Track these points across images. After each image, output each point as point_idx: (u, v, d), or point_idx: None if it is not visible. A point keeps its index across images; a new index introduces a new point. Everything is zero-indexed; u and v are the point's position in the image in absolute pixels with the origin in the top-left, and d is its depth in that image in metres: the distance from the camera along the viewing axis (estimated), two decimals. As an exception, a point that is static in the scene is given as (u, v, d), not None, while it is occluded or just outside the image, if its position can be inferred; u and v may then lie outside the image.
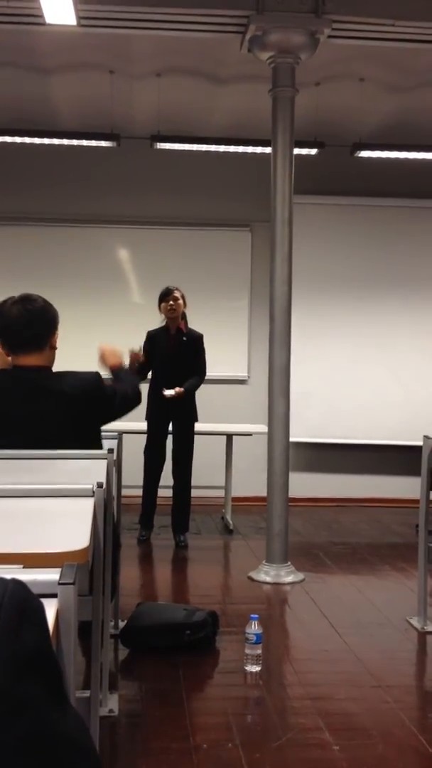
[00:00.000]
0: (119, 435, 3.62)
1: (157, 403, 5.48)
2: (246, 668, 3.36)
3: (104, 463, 2.74)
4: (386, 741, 2.80)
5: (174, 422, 5.59)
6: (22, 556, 1.55)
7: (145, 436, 5.61)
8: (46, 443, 2.78)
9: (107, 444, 3.17)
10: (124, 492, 5.68)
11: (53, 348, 3.06)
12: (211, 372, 7.03)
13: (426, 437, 3.95)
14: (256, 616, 3.44)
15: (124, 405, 3.20)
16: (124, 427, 5.48)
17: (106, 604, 2.97)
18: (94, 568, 2.23)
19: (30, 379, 2.94)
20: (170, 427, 5.62)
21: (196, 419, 5.65)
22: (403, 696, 3.18)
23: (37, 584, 1.26)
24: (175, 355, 5.49)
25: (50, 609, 1.21)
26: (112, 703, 2.99)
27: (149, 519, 5.64)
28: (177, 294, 5.48)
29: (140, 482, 5.60)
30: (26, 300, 2.98)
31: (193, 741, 2.75)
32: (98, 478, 2.43)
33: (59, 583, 1.24)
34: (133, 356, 4.43)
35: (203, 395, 6.32)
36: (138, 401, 3.29)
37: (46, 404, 2.95)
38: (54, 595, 1.24)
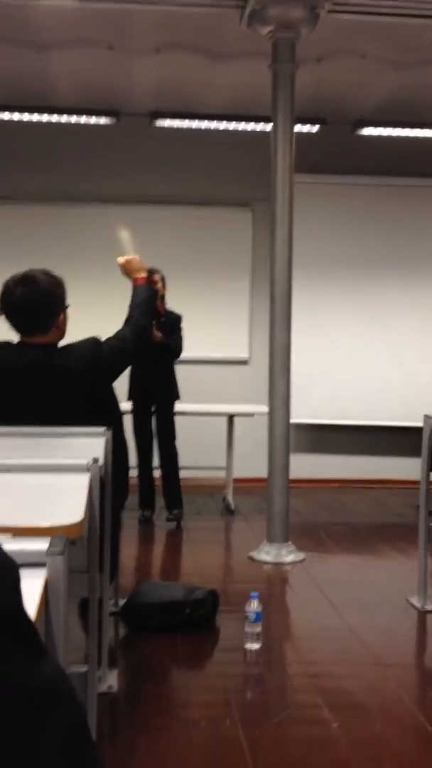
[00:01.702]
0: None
1: (138, 383, 5.51)
2: (245, 646, 3.35)
3: (102, 440, 2.73)
4: (385, 719, 2.79)
5: (155, 401, 5.60)
6: (13, 530, 1.53)
7: (131, 417, 5.63)
8: (57, 422, 2.76)
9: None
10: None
11: (59, 328, 3.04)
12: (212, 353, 7.02)
13: (427, 417, 3.92)
14: (256, 594, 3.43)
15: (132, 352, 3.21)
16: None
17: (105, 582, 2.96)
18: (90, 544, 2.22)
19: (36, 358, 2.94)
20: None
21: (177, 397, 5.69)
22: (402, 674, 3.17)
23: (25, 554, 1.24)
24: (157, 341, 5.48)
25: (39, 579, 1.19)
26: (111, 680, 2.98)
27: (147, 499, 5.65)
28: (157, 277, 5.45)
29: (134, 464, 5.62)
30: (30, 282, 2.94)
31: (192, 717, 2.75)
32: (98, 455, 2.41)
33: (47, 553, 1.22)
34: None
35: (204, 375, 6.32)
36: (145, 337, 3.29)
37: (54, 382, 2.94)
38: (43, 565, 1.22)
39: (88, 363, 3.03)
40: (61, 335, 3.11)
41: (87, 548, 2.26)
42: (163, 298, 5.53)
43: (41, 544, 1.24)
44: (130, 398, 5.56)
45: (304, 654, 3.41)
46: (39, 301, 2.95)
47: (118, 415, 3.36)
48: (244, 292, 7.12)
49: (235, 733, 2.65)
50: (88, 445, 2.59)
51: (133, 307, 3.31)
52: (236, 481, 6.30)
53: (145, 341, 3.35)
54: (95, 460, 2.16)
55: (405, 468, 7.16)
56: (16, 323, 2.99)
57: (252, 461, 6.64)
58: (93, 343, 3.10)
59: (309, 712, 2.84)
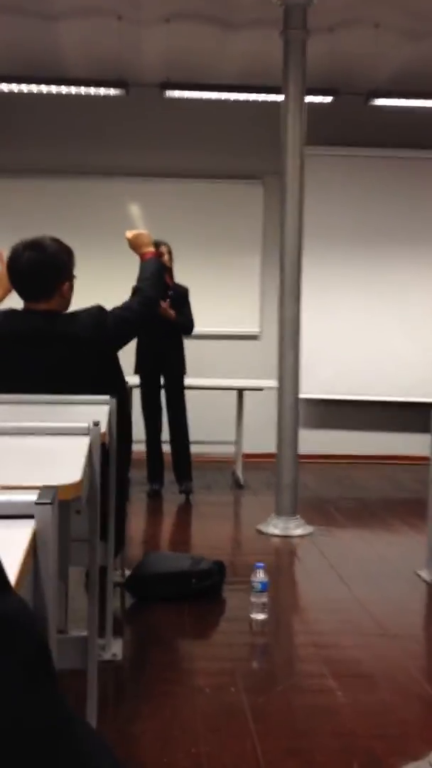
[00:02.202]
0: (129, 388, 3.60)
1: (146, 357, 5.48)
2: (251, 616, 3.34)
3: (106, 408, 2.71)
4: (391, 688, 2.77)
5: (164, 375, 5.58)
6: (9, 489, 1.51)
7: (139, 391, 5.61)
8: (60, 390, 2.75)
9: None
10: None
11: (63, 296, 3.03)
12: (222, 328, 6.98)
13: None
14: (262, 564, 3.41)
15: (138, 322, 3.20)
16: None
17: (109, 551, 2.96)
18: (90, 508, 2.20)
19: (39, 325, 2.92)
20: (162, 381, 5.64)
21: (185, 371, 5.66)
22: (409, 645, 3.15)
23: (13, 505, 1.22)
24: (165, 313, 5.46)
25: (28, 529, 1.17)
26: (116, 648, 2.98)
27: (157, 473, 5.64)
28: (164, 249, 5.41)
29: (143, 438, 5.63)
30: (37, 246, 2.94)
31: (196, 685, 2.74)
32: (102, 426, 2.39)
33: (36, 503, 1.19)
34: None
35: (215, 350, 6.28)
36: (153, 309, 3.27)
37: (58, 349, 2.93)
38: (33, 517, 1.19)
39: (92, 330, 3.02)
40: (66, 304, 3.09)
41: (87, 513, 2.25)
42: (170, 271, 5.49)
43: (30, 496, 1.21)
44: (138, 372, 5.54)
45: (310, 624, 3.40)
46: (44, 265, 2.94)
47: (123, 385, 3.34)
48: (255, 266, 7.06)
49: (239, 700, 2.64)
50: (92, 413, 2.57)
51: (140, 280, 3.29)
52: (246, 456, 6.28)
53: (152, 313, 3.33)
54: (96, 423, 2.14)
55: (417, 444, 7.10)
56: (20, 287, 2.98)
57: (262, 437, 6.60)
58: (98, 310, 3.09)
59: (314, 680, 2.83)
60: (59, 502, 1.91)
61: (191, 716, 2.52)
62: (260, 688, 2.78)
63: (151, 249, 3.38)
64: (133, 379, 5.41)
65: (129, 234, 3.40)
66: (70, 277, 3.07)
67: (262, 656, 3.13)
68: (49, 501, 1.20)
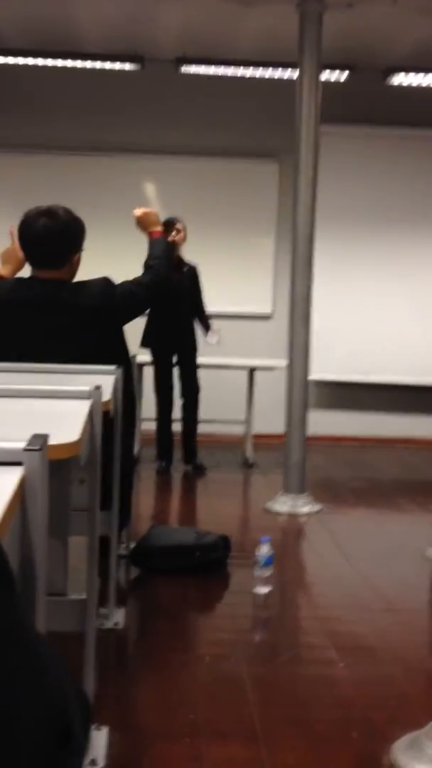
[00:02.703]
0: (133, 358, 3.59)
1: (163, 335, 5.48)
2: (255, 590, 3.33)
3: (112, 378, 2.70)
4: (392, 660, 2.76)
5: (180, 354, 5.58)
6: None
7: (152, 368, 5.60)
8: (65, 359, 2.74)
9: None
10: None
11: (72, 266, 3.03)
12: (235, 307, 6.95)
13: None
14: (267, 538, 3.40)
15: (146, 297, 3.22)
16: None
17: (113, 520, 2.96)
18: (91, 474, 2.19)
19: (46, 292, 2.92)
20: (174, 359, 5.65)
21: (197, 350, 5.68)
22: (413, 620, 3.14)
23: (2, 452, 1.21)
24: (180, 287, 5.45)
25: (15, 476, 1.16)
26: (118, 617, 2.99)
27: (168, 451, 5.66)
28: (180, 225, 5.41)
29: (151, 416, 5.65)
30: (51, 214, 2.96)
31: (196, 654, 2.75)
32: (105, 395, 2.38)
33: (24, 450, 1.18)
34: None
35: (227, 330, 6.23)
36: (162, 287, 3.28)
37: (63, 317, 2.93)
38: (20, 464, 1.18)
39: (99, 300, 3.02)
40: (73, 275, 3.09)
41: (88, 479, 2.24)
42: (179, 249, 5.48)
43: (18, 444, 1.20)
44: (152, 349, 5.53)
45: (314, 599, 3.39)
46: (58, 233, 2.95)
47: (128, 358, 3.33)
48: (269, 245, 7.01)
49: (239, 670, 2.64)
50: (96, 382, 2.56)
51: (151, 257, 3.29)
52: (256, 437, 6.26)
53: (161, 290, 3.33)
54: (98, 387, 2.13)
55: (429, 426, 7.07)
56: (32, 254, 2.99)
57: (273, 417, 6.58)
58: (105, 281, 3.09)
59: (315, 652, 2.82)
60: (59, 463, 1.91)
61: (190, 684, 2.53)
62: (260, 658, 2.78)
63: (159, 228, 3.38)
64: (142, 356, 5.42)
65: (138, 211, 3.39)
66: (80, 248, 3.07)
67: (264, 628, 3.13)
68: (37, 447, 1.19)
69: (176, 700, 2.44)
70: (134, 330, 5.39)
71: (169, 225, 5.39)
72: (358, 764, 2.12)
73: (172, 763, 2.09)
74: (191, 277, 5.59)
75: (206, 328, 5.72)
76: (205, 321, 5.71)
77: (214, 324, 5.71)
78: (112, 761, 2.07)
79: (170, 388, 5.64)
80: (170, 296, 5.37)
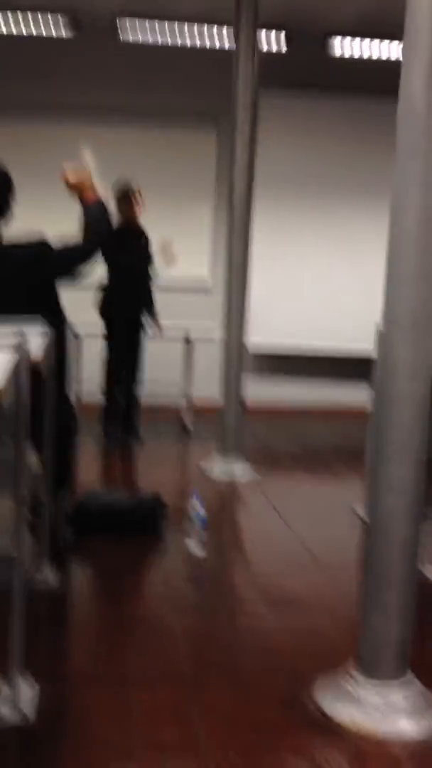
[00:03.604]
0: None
1: (119, 307, 5.42)
2: (189, 549, 3.36)
3: (43, 336, 2.67)
4: (320, 612, 2.83)
5: (132, 325, 5.54)
6: None
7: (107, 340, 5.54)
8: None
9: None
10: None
11: (5, 220, 2.99)
12: (173, 278, 6.92)
13: (379, 330, 3.91)
14: (200, 498, 3.43)
15: (81, 263, 3.13)
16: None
17: (46, 480, 2.95)
18: (19, 427, 2.18)
19: None
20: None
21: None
22: (340, 574, 3.22)
23: None
24: (141, 254, 5.41)
25: None
26: (50, 577, 2.98)
27: (119, 421, 5.60)
28: (138, 194, 5.37)
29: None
30: None
31: (128, 610, 2.77)
32: (36, 352, 2.36)
33: None
34: None
35: (165, 301, 6.21)
36: (97, 255, 3.19)
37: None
38: None
39: (32, 259, 2.98)
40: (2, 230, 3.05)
41: (15, 434, 2.22)
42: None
43: None
44: (106, 318, 5.45)
45: (247, 557, 3.45)
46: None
47: (62, 322, 3.30)
48: (207, 214, 6.99)
49: (171, 624, 2.67)
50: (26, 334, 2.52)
51: (88, 224, 3.17)
52: (197, 408, 6.28)
53: (97, 254, 3.26)
54: (22, 335, 2.11)
55: (365, 395, 7.18)
56: None
57: (211, 388, 6.61)
58: (40, 240, 3.05)
59: (246, 606, 2.88)
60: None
61: (120, 637, 2.55)
62: (192, 612, 2.82)
63: (94, 193, 3.25)
64: (92, 328, 5.38)
65: (70, 175, 3.25)
66: (10, 204, 3.03)
67: (196, 585, 3.17)
68: None
69: (107, 652, 2.46)
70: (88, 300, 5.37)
71: (126, 195, 5.32)
72: (283, 706, 2.18)
73: (101, 709, 2.11)
74: (147, 248, 5.53)
75: (152, 313, 5.64)
76: (153, 307, 5.63)
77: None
78: (42, 713, 2.09)
79: (123, 359, 5.58)
80: (130, 267, 5.32)
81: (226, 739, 1.99)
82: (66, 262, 3.10)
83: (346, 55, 6.50)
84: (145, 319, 5.61)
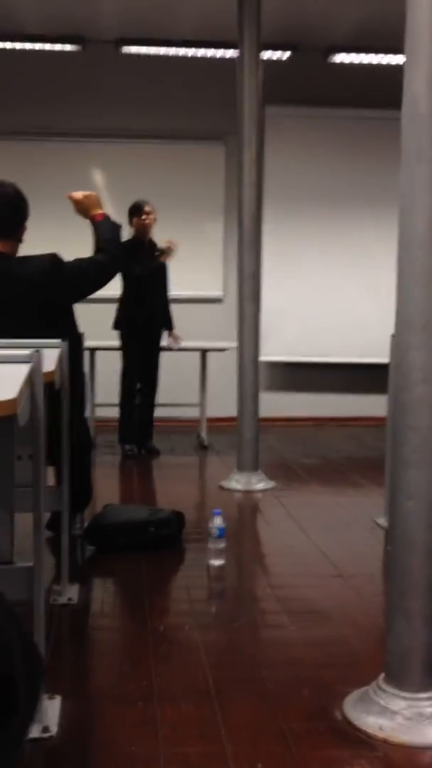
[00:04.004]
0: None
1: (133, 320, 5.45)
2: (209, 562, 3.34)
3: (57, 352, 2.67)
4: (342, 623, 2.80)
5: (147, 339, 5.56)
6: None
7: (122, 353, 5.56)
8: (9, 332, 2.69)
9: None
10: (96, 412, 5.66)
11: (19, 239, 3.00)
12: (185, 291, 6.93)
13: (393, 335, 3.89)
14: (219, 510, 3.42)
15: (98, 276, 3.15)
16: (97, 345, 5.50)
17: (64, 496, 2.94)
18: (34, 440, 2.17)
19: None
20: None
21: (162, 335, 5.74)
22: (363, 585, 3.18)
23: None
24: (152, 270, 5.43)
25: None
26: (71, 593, 2.97)
27: (133, 435, 5.62)
28: (149, 208, 5.40)
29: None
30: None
31: (150, 625, 2.75)
32: (50, 366, 2.36)
33: None
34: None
35: (178, 314, 6.23)
36: (117, 267, 3.24)
37: (10, 291, 2.90)
38: None
39: (45, 275, 2.99)
40: (17, 250, 3.06)
41: (33, 451, 2.22)
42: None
43: None
44: (121, 330, 5.47)
45: (267, 568, 3.42)
46: (6, 203, 2.93)
47: (78, 336, 3.31)
48: (217, 229, 7.02)
49: (193, 637, 2.65)
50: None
51: (101, 241, 3.20)
52: (211, 420, 6.28)
53: (114, 271, 3.29)
54: (38, 351, 2.11)
55: (380, 405, 7.14)
56: None
57: (227, 401, 6.59)
58: (52, 257, 3.06)
59: (268, 618, 2.85)
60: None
61: (143, 652, 2.53)
62: (214, 625, 2.80)
63: (101, 210, 3.29)
64: (106, 341, 5.42)
65: (77, 194, 3.29)
66: (25, 221, 3.05)
67: (217, 598, 3.15)
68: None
69: (129, 667, 2.44)
70: (106, 313, 5.39)
71: (138, 208, 5.37)
72: (308, 719, 2.15)
73: (125, 726, 2.09)
74: (161, 262, 5.56)
75: (169, 321, 5.68)
76: (168, 313, 5.71)
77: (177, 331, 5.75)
78: (65, 728, 2.07)
79: (137, 372, 5.60)
80: (143, 280, 5.36)
81: (253, 752, 1.96)
82: (79, 273, 3.11)
83: (348, 68, 6.53)
84: (161, 332, 5.64)
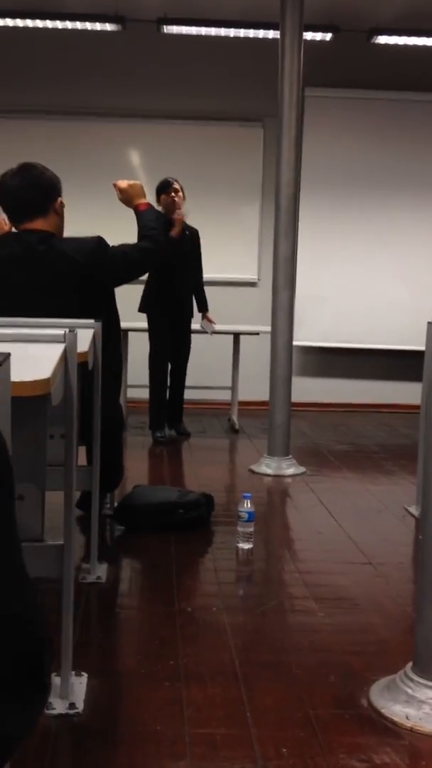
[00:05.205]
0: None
1: (161, 301, 5.42)
2: (238, 545, 3.34)
3: (90, 332, 2.67)
4: (371, 610, 2.78)
5: (177, 321, 5.54)
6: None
7: (150, 336, 5.55)
8: (50, 311, 2.69)
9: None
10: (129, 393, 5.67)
11: (57, 214, 2.99)
12: (220, 274, 6.90)
13: (429, 323, 3.85)
14: (249, 494, 3.41)
15: (141, 262, 3.16)
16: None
17: (94, 475, 2.95)
18: (67, 419, 2.18)
19: (33, 242, 2.88)
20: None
21: (192, 316, 5.69)
22: (393, 572, 3.16)
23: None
24: (181, 249, 5.38)
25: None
26: (100, 572, 2.99)
27: (164, 420, 5.61)
28: (177, 185, 5.34)
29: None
30: (25, 168, 2.97)
31: (178, 606, 2.75)
32: (84, 346, 2.36)
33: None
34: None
35: (212, 297, 6.21)
36: (160, 255, 3.23)
37: (51, 269, 2.90)
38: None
39: (89, 256, 2.97)
40: (61, 224, 3.05)
41: (66, 430, 2.23)
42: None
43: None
44: (148, 312, 5.47)
45: (296, 554, 3.41)
46: (34, 181, 2.94)
47: (116, 321, 3.30)
48: (254, 212, 6.96)
49: (220, 619, 2.65)
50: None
51: (146, 228, 3.20)
52: (243, 404, 6.25)
53: (158, 257, 3.28)
54: (72, 331, 2.11)
55: (414, 392, 7.07)
56: (13, 207, 2.97)
57: (259, 385, 6.57)
58: (97, 239, 3.05)
59: (296, 603, 2.84)
60: (33, 406, 1.89)
61: (171, 633, 2.54)
62: (242, 608, 2.80)
63: (145, 200, 3.29)
64: (134, 323, 5.42)
65: (122, 183, 3.29)
66: (59, 194, 3.03)
67: (246, 581, 3.15)
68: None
69: (157, 647, 2.45)
70: (134, 293, 5.39)
71: (167, 186, 5.34)
72: (335, 705, 2.14)
73: (151, 705, 2.10)
74: (192, 241, 5.52)
75: (203, 303, 5.67)
76: (203, 295, 5.68)
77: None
78: (91, 705, 2.08)
79: (168, 355, 5.59)
80: (171, 260, 5.32)
81: (279, 736, 1.96)
82: (123, 257, 3.09)
83: (390, 49, 6.41)
84: (191, 312, 5.61)
